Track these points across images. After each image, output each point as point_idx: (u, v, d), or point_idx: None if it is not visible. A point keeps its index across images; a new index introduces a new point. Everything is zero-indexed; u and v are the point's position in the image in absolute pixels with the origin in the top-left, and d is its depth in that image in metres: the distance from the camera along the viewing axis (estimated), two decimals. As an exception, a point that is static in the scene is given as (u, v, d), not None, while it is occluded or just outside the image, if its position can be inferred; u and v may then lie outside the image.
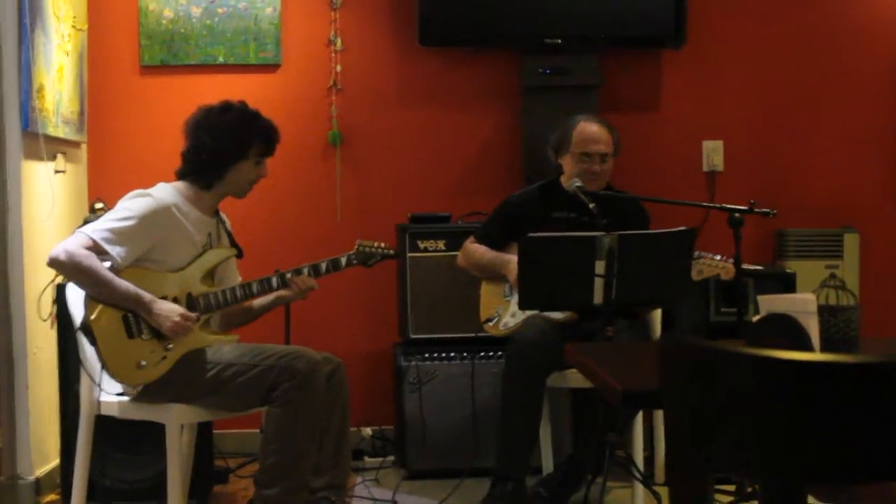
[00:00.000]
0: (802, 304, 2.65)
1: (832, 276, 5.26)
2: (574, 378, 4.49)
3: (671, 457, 2.22)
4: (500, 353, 5.10)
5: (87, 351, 4.13)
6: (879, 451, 2.00)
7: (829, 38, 6.04)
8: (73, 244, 3.99)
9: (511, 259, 4.67)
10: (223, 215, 4.47)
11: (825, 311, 2.79)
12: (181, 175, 4.30)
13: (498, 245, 4.88)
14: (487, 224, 5.05)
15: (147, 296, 4.04)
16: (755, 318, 2.75)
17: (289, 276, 4.32)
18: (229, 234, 4.46)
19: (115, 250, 4.00)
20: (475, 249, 4.94)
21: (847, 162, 6.04)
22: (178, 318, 4.06)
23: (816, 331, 2.65)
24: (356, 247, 4.46)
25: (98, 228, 4.03)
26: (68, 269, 4.00)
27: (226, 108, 4.31)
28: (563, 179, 4.89)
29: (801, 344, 2.52)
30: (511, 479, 4.59)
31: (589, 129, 4.82)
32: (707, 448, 2.11)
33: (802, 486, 2.43)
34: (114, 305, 4.02)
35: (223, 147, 4.23)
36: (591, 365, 2.85)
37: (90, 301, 4.03)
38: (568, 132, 4.83)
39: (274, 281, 4.32)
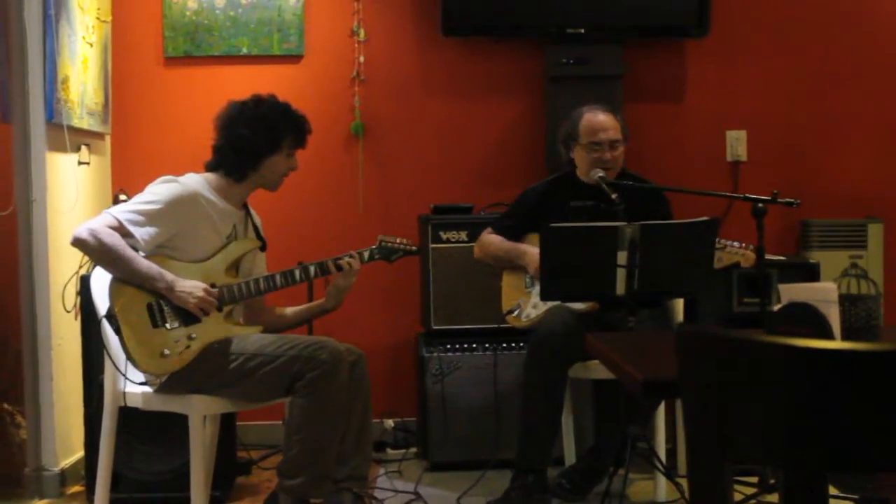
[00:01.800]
0: (823, 293, 2.63)
1: (854, 265, 5.24)
2: (596, 369, 4.48)
3: (689, 446, 2.21)
4: (522, 344, 5.09)
5: (111, 340, 4.14)
6: (899, 440, 1.99)
7: (853, 28, 6.01)
8: (97, 223, 4.03)
9: (528, 250, 4.67)
10: (252, 210, 4.48)
11: (846, 300, 2.77)
12: (212, 168, 4.32)
13: (515, 236, 4.87)
14: (505, 215, 5.04)
15: (169, 275, 4.06)
16: (776, 307, 2.73)
17: (311, 267, 4.33)
18: (256, 228, 4.47)
19: (138, 232, 4.03)
20: (491, 240, 4.93)
21: (871, 152, 6.01)
22: (201, 294, 4.08)
23: (837, 319, 2.63)
24: (378, 242, 4.47)
25: (124, 210, 4.07)
26: (91, 246, 4.02)
27: (258, 101, 4.34)
28: (578, 172, 4.88)
29: (822, 333, 2.50)
30: (532, 470, 4.58)
31: (595, 118, 4.79)
32: (725, 437, 2.10)
33: (823, 476, 2.42)
34: (137, 285, 4.04)
35: (259, 139, 4.26)
36: (612, 355, 2.85)
37: (115, 289, 4.05)
38: (574, 125, 4.81)
39: (297, 273, 4.33)
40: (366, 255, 4.44)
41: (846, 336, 2.72)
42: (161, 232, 4.10)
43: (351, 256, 4.39)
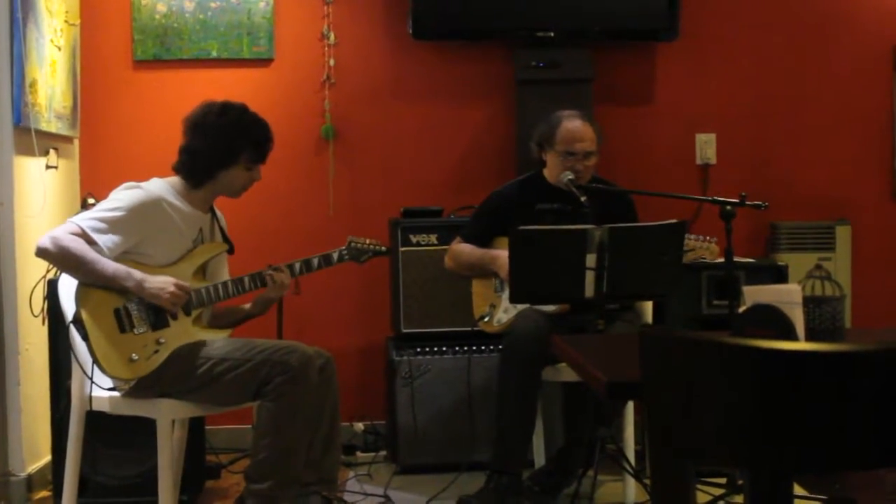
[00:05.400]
0: (788, 295, 2.64)
1: (818, 266, 5.26)
2: (565, 371, 4.49)
3: (653, 447, 2.21)
4: (492, 347, 5.11)
5: (79, 346, 4.11)
6: (864, 440, 2.00)
7: (821, 31, 6.04)
8: (60, 231, 4.00)
9: (499, 254, 4.67)
10: (219, 212, 4.46)
11: (810, 302, 2.79)
12: (176, 169, 4.29)
13: (484, 242, 4.88)
14: (472, 222, 5.04)
15: (137, 273, 4.03)
16: (741, 309, 2.74)
17: (268, 272, 4.32)
18: (222, 231, 4.45)
19: (102, 239, 4.00)
20: (461, 250, 4.93)
21: (839, 154, 6.05)
22: (173, 289, 4.05)
23: (802, 321, 2.64)
24: (347, 243, 4.46)
25: (87, 217, 4.04)
26: (55, 255, 3.99)
27: (224, 110, 4.28)
28: (546, 173, 4.89)
29: (787, 334, 2.51)
30: (507, 472, 4.58)
31: (573, 127, 4.80)
32: (687, 438, 2.10)
33: (787, 476, 2.43)
34: (105, 287, 4.01)
35: (214, 151, 4.23)
36: (577, 357, 2.85)
37: (82, 294, 4.02)
38: (552, 129, 4.82)
39: (266, 277, 4.31)
40: (334, 256, 4.41)
41: (810, 337, 2.73)
42: (125, 239, 4.06)
43: (279, 270, 4.35)
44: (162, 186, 4.23)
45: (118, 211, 4.06)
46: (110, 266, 4.00)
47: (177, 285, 4.07)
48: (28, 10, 4.92)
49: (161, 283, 4.05)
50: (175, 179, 4.28)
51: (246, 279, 4.28)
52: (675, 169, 5.97)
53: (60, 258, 4.00)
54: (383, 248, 4.57)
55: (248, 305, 4.47)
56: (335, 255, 4.43)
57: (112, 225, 4.04)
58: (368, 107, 5.92)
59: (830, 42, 6.05)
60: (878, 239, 6.00)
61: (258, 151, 4.31)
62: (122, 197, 4.12)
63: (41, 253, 4.01)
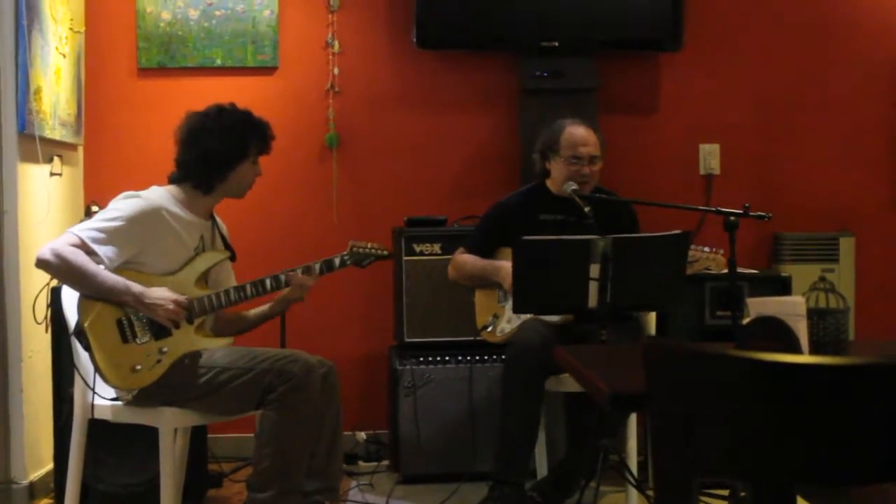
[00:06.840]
0: (792, 307, 2.64)
1: (822, 278, 5.26)
2: (568, 381, 4.48)
3: (656, 459, 2.21)
4: (494, 356, 5.11)
5: (82, 355, 4.11)
6: (868, 454, 1.99)
7: (826, 41, 6.04)
8: (60, 243, 3.99)
9: (503, 265, 4.67)
10: (219, 219, 4.45)
11: (814, 314, 2.78)
12: (177, 181, 4.28)
13: (487, 253, 4.88)
14: (476, 233, 5.04)
15: (136, 286, 4.02)
16: (744, 321, 2.74)
17: (282, 276, 4.31)
18: (223, 238, 4.45)
19: (102, 250, 3.99)
20: (465, 260, 4.93)
21: (843, 166, 6.04)
22: (171, 305, 4.04)
23: (806, 333, 2.64)
24: (349, 247, 4.45)
25: (86, 228, 4.03)
26: (55, 267, 3.98)
27: (220, 110, 4.30)
28: (549, 183, 4.90)
29: (790, 347, 2.51)
30: (509, 482, 4.57)
31: (577, 132, 4.82)
32: (692, 450, 2.10)
33: (791, 490, 2.42)
34: (104, 300, 4.01)
35: (226, 150, 4.24)
36: (580, 367, 2.85)
37: (84, 305, 4.02)
38: (555, 136, 4.83)
39: (268, 283, 4.30)
40: (336, 261, 4.40)
41: (814, 350, 2.73)
42: (125, 249, 4.06)
43: (305, 271, 4.35)
44: (162, 195, 4.22)
45: (117, 221, 4.05)
46: (110, 279, 4.00)
47: (175, 301, 4.06)
48: (33, 18, 4.93)
49: (159, 299, 4.04)
50: (174, 188, 4.27)
51: (248, 286, 4.27)
52: (678, 179, 5.96)
53: (62, 270, 3.99)
54: (385, 252, 4.55)
55: (266, 307, 4.46)
56: (337, 260, 4.42)
57: (111, 235, 4.03)
58: (372, 115, 5.92)
59: (835, 52, 6.04)
60: (882, 251, 5.99)
61: (265, 142, 4.34)
62: (122, 206, 4.11)
63: (42, 265, 4.00)
